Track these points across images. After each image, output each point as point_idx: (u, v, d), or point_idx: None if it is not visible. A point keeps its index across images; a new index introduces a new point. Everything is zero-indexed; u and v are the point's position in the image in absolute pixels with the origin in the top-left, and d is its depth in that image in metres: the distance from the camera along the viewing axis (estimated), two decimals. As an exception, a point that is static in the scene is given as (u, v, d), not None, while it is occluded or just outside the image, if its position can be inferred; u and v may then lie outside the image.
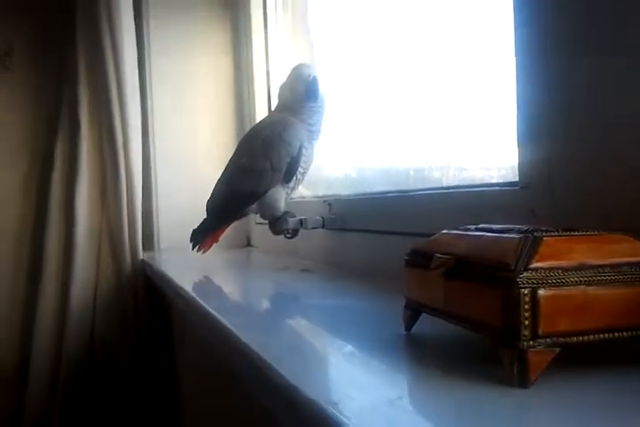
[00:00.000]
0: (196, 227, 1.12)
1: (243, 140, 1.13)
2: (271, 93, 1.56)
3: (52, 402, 1.44)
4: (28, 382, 1.47)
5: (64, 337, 1.43)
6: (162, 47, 1.58)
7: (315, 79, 1.02)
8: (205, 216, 1.12)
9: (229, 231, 1.18)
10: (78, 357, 1.43)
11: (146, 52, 1.57)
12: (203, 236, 1.12)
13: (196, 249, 1.12)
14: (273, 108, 1.15)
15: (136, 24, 1.46)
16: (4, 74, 1.63)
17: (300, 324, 0.67)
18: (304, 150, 1.03)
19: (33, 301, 1.51)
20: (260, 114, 1.57)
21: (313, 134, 1.04)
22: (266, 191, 1.04)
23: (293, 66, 1.07)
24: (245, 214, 1.13)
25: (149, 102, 1.57)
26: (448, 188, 0.83)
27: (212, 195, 1.12)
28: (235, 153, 1.11)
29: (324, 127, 1.07)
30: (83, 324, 1.44)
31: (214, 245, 1.15)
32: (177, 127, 1.59)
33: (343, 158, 1.29)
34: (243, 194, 1.06)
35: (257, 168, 1.04)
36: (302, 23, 1.48)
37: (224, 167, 1.13)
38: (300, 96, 1.03)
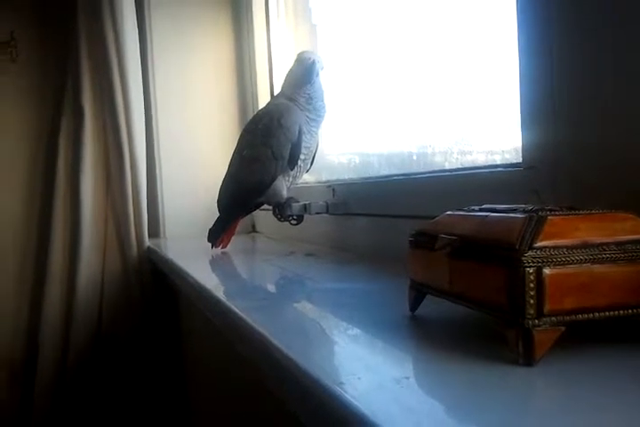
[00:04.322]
0: (211, 226, 1.12)
1: (244, 131, 1.12)
2: (273, 80, 1.55)
3: (61, 391, 1.46)
4: (36, 371, 1.48)
5: (71, 326, 1.44)
6: (164, 35, 1.57)
7: (313, 62, 1.01)
8: (213, 208, 1.12)
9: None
10: (86, 345, 1.44)
11: (148, 38, 1.56)
12: (219, 234, 1.11)
13: (214, 247, 1.12)
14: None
15: (137, 12, 1.46)
16: (10, 64, 1.63)
17: (306, 307, 0.67)
18: (304, 136, 1.02)
19: (40, 289, 1.52)
20: (263, 98, 1.56)
21: (312, 120, 1.03)
22: (272, 180, 1.04)
23: (298, 52, 1.06)
24: (258, 206, 1.13)
25: (152, 90, 1.57)
26: (452, 170, 0.83)
27: (221, 191, 1.12)
28: (237, 145, 1.11)
29: (326, 114, 1.05)
30: (90, 312, 1.45)
31: (232, 238, 1.15)
32: (180, 115, 1.59)
33: (347, 144, 1.28)
34: (250, 186, 1.05)
35: (260, 159, 1.03)
36: (304, 6, 1.47)
37: (228, 157, 1.12)
38: (299, 80, 1.03)
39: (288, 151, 1.02)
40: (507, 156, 0.78)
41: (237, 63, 1.64)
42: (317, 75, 1.02)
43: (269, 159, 1.02)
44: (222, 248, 1.13)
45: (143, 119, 1.46)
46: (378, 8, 1.12)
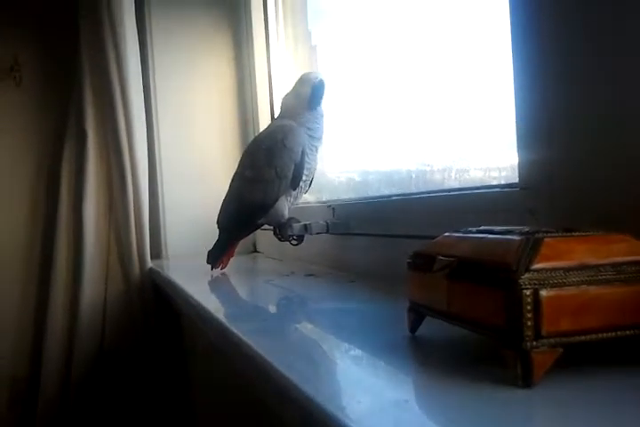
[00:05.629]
0: (210, 247, 1.11)
1: (245, 152, 1.12)
2: (274, 101, 1.57)
3: (64, 412, 1.45)
4: (39, 391, 1.47)
5: (74, 345, 1.44)
6: (165, 60, 1.59)
7: (321, 82, 1.03)
8: (215, 229, 1.12)
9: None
10: (89, 365, 1.44)
11: (150, 63, 1.58)
12: (219, 255, 1.11)
13: (213, 268, 1.12)
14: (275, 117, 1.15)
15: (139, 37, 1.48)
16: (14, 88, 1.65)
17: (306, 328, 0.67)
18: (306, 156, 1.03)
19: (43, 310, 1.52)
20: (263, 119, 1.58)
21: (314, 140, 1.04)
22: (275, 201, 1.04)
23: (302, 73, 1.08)
24: (259, 226, 1.13)
25: (154, 115, 1.58)
26: (450, 190, 0.84)
27: (222, 211, 1.11)
28: (239, 166, 1.11)
29: (325, 134, 1.07)
30: (93, 331, 1.44)
31: (231, 259, 1.15)
32: (182, 139, 1.60)
33: (346, 163, 1.29)
34: (253, 206, 1.05)
35: (263, 179, 1.03)
36: (303, 29, 1.49)
37: (229, 179, 1.12)
38: (305, 100, 1.04)
39: (291, 172, 1.03)
40: (504, 173, 0.79)
41: (238, 85, 1.66)
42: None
43: (273, 180, 1.03)
44: (222, 269, 1.13)
45: (145, 143, 1.47)
46: (377, 29, 1.13)
